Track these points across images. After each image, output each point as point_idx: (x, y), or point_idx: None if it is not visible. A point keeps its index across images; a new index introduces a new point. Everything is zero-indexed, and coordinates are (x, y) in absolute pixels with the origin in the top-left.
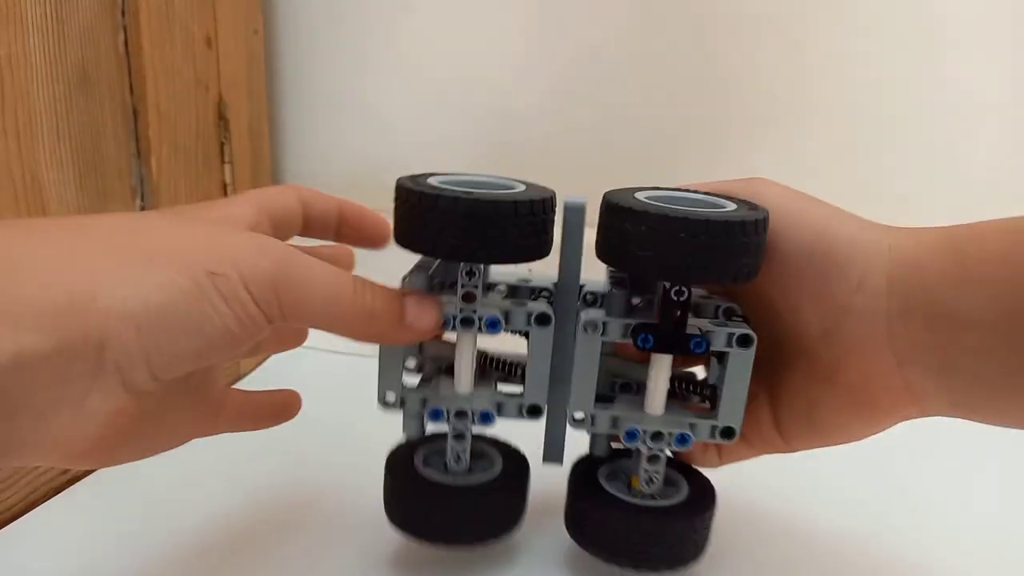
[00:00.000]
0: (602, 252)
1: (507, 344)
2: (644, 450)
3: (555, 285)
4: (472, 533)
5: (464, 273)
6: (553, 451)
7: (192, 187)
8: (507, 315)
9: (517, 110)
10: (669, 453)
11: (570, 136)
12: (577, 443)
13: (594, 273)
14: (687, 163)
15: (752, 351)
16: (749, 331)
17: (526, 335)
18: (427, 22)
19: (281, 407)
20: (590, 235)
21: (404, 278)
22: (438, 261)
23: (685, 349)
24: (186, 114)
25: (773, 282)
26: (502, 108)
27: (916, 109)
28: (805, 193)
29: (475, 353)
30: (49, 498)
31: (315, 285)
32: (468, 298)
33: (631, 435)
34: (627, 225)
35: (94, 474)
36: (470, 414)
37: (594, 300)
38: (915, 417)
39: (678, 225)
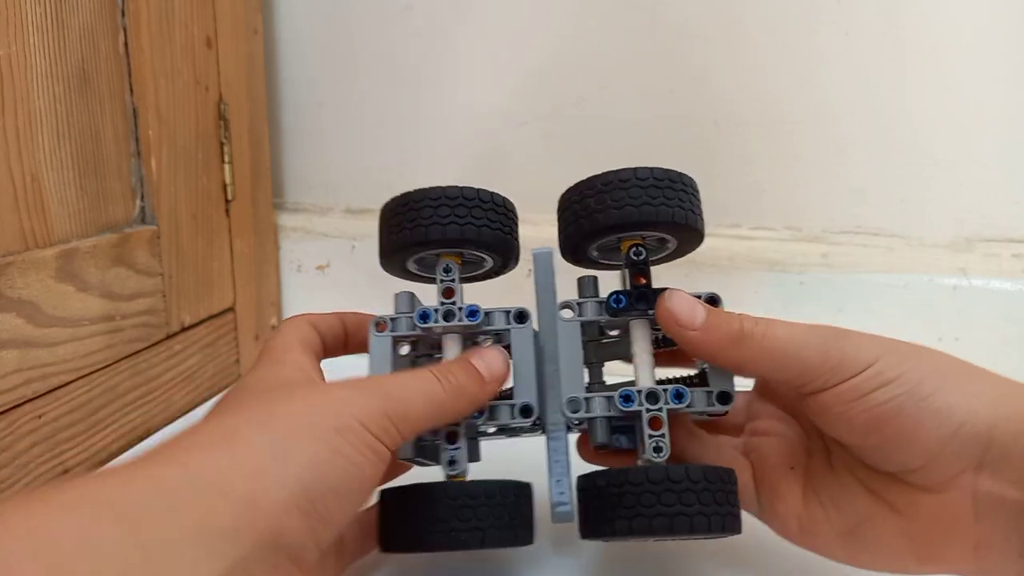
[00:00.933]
0: (568, 237)
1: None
2: (644, 413)
3: (536, 334)
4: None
5: (442, 270)
6: (561, 507)
7: (192, 188)
8: (488, 316)
9: (517, 114)
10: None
11: (569, 146)
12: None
13: None
14: (688, 163)
15: (722, 307)
16: (715, 293)
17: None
18: (426, 22)
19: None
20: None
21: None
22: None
23: (655, 300)
24: (186, 115)
25: (856, 418)
26: (501, 109)
27: (916, 111)
28: (907, 342)
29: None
30: None
31: (413, 395)
32: (448, 293)
33: (626, 398)
34: (586, 193)
35: None
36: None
37: None
38: (967, 575)
39: (625, 175)
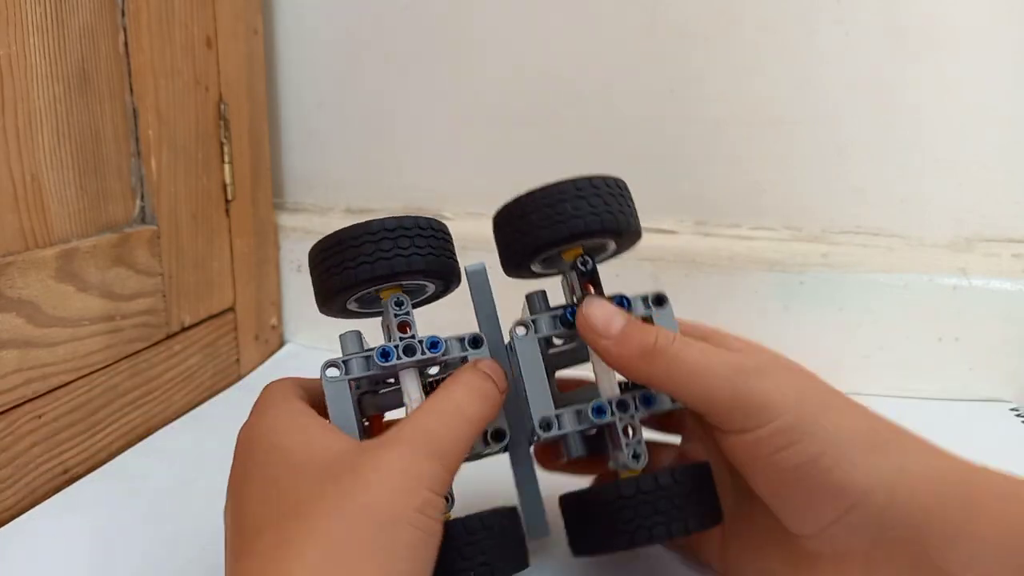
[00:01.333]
0: (514, 252)
1: None
2: (617, 422)
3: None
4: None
5: (393, 304)
6: (535, 523)
7: (192, 188)
8: (443, 340)
9: (517, 114)
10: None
11: (569, 145)
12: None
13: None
14: (688, 163)
15: (669, 307)
16: (662, 292)
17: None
18: (425, 22)
19: None
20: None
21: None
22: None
23: None
24: (186, 115)
25: (761, 476)
26: (502, 110)
27: (916, 111)
28: (827, 388)
29: (421, 390)
30: (49, 498)
31: (460, 430)
32: (404, 327)
33: (599, 410)
34: (543, 203)
35: (94, 473)
36: None
37: None
38: None
39: (565, 187)
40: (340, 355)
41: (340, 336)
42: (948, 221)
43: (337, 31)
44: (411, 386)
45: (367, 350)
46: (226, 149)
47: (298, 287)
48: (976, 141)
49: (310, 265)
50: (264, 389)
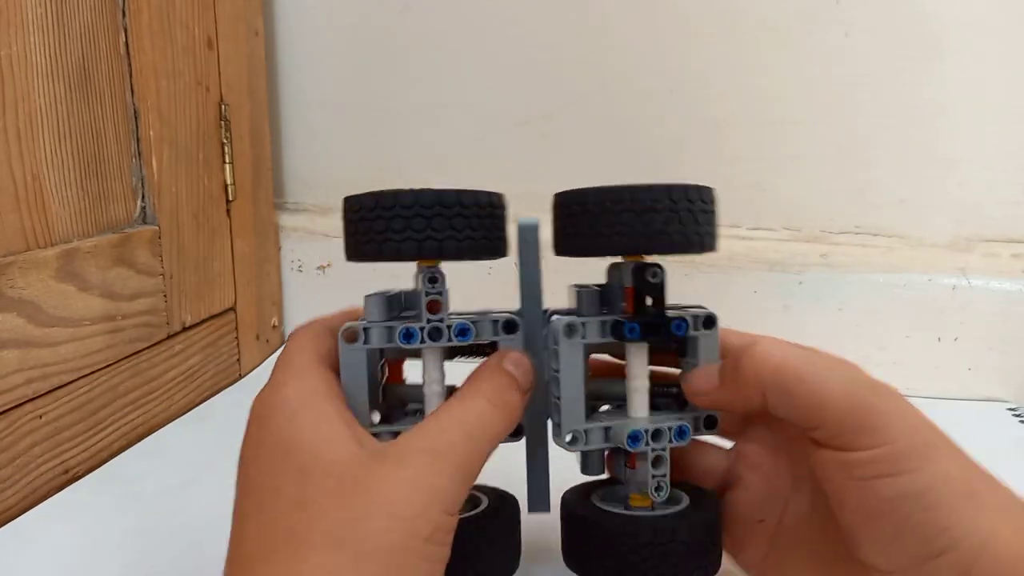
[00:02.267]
0: (575, 246)
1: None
2: (648, 453)
3: (518, 312)
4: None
5: (427, 280)
6: (538, 499)
7: (193, 188)
8: (473, 326)
9: (517, 114)
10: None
11: (568, 146)
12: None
13: (553, 301)
14: (688, 163)
15: (716, 331)
16: (712, 312)
17: (490, 350)
18: (425, 22)
19: None
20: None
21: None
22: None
23: (667, 332)
24: (187, 115)
25: (856, 507)
26: (501, 109)
27: (915, 111)
28: (931, 422)
29: (443, 371)
30: (50, 498)
31: (481, 444)
32: (433, 307)
33: (634, 439)
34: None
35: (95, 473)
36: None
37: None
38: None
39: (642, 194)
40: (363, 320)
41: (365, 297)
42: (948, 221)
43: (338, 32)
44: (432, 366)
45: (392, 316)
46: (227, 149)
47: (299, 287)
48: (976, 141)
49: (347, 212)
50: (290, 340)
